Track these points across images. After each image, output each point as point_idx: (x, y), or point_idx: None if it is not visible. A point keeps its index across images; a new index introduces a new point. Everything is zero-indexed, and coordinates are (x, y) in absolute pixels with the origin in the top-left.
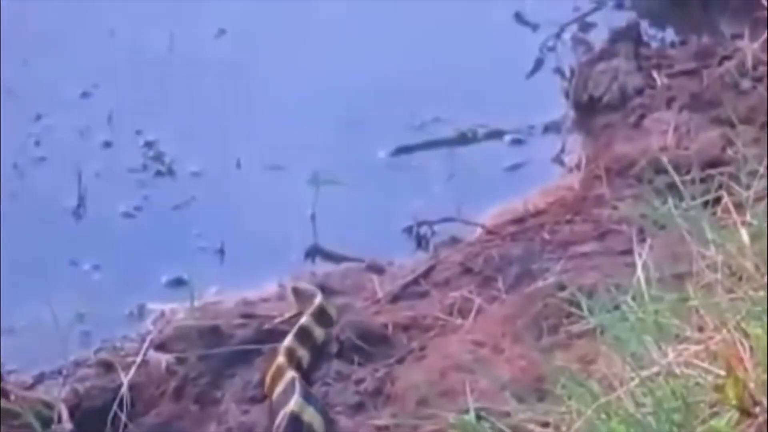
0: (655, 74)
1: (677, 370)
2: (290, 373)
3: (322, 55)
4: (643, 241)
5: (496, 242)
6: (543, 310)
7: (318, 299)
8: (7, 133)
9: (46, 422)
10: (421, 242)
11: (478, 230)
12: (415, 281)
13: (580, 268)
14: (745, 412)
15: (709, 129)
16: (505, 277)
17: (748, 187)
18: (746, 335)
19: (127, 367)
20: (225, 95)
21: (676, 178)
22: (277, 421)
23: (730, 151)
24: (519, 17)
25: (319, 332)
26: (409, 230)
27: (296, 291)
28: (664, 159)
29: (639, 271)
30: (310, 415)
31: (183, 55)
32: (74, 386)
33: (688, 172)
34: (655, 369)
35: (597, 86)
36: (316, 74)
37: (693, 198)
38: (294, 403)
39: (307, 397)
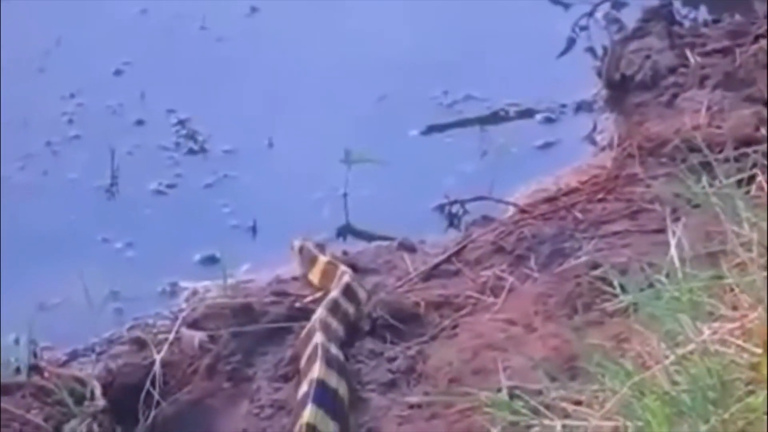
0: (688, 53)
1: (712, 348)
2: (316, 338)
3: (354, 33)
4: (676, 220)
5: (528, 221)
6: (575, 289)
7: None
8: (40, 111)
9: (80, 399)
10: (452, 221)
11: (510, 209)
12: (447, 260)
13: (612, 247)
14: None
15: (743, 108)
16: (538, 256)
17: None
18: None
19: (159, 345)
20: (257, 73)
21: (710, 157)
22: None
23: (763, 130)
24: None
25: (350, 309)
26: (440, 209)
27: (302, 249)
28: (697, 138)
29: (672, 250)
30: (336, 382)
31: (215, 33)
32: (107, 363)
33: (721, 151)
34: (690, 347)
35: (630, 65)
36: (348, 53)
37: (726, 177)
38: (318, 369)
39: (331, 363)
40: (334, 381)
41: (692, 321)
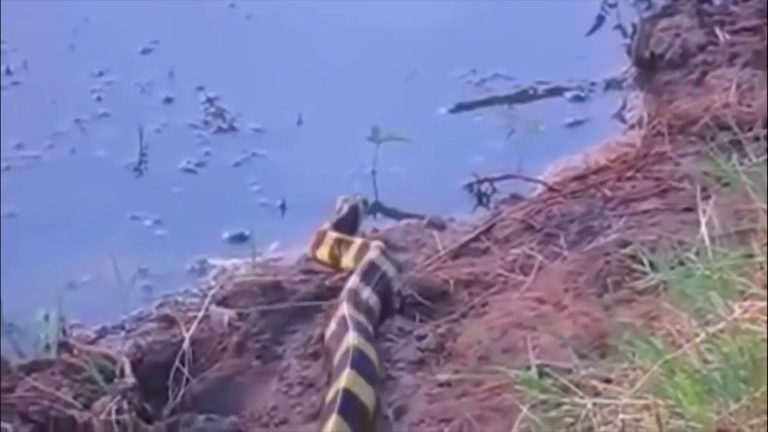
0: (717, 31)
1: (743, 327)
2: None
3: (383, 11)
4: (706, 198)
5: (557, 199)
6: (605, 267)
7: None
8: (68, 89)
9: (109, 376)
10: (481, 199)
11: (539, 187)
12: (476, 238)
13: (641, 225)
14: None
15: None
16: (567, 234)
17: None
18: None
19: (188, 322)
20: (286, 51)
21: (740, 135)
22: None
23: None
24: None
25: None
26: (469, 187)
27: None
28: (727, 116)
29: (703, 228)
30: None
31: (245, 11)
32: (136, 341)
33: (751, 129)
34: (720, 325)
35: (659, 43)
36: (378, 31)
37: (757, 155)
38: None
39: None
40: (368, 349)
41: (723, 299)
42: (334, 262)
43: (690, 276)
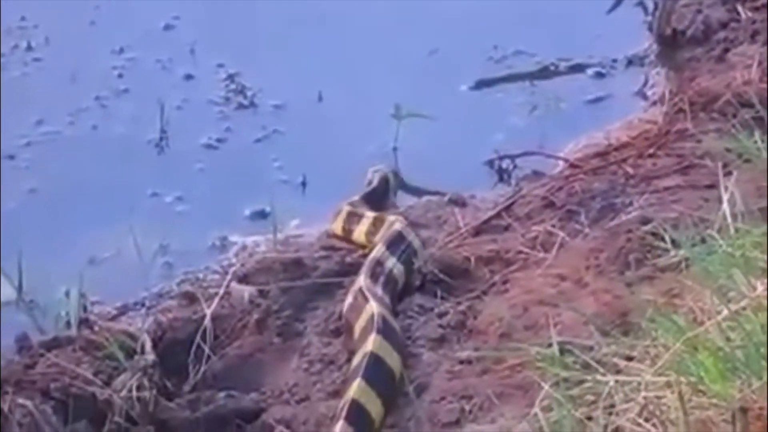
0: (739, 7)
1: (766, 304)
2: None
3: None
4: (728, 175)
5: (578, 176)
6: (627, 244)
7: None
8: (89, 65)
9: (130, 353)
10: (503, 175)
11: (561, 164)
12: (498, 215)
13: (663, 202)
14: None
15: None
16: (588, 211)
17: None
18: None
19: (209, 299)
20: (307, 27)
21: (762, 112)
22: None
23: None
24: None
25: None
26: (490, 163)
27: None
28: (749, 93)
29: (725, 205)
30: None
31: None
32: (157, 317)
33: None
34: (743, 303)
35: (681, 19)
36: (399, 7)
37: None
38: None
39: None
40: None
41: (745, 277)
42: (346, 235)
43: (712, 253)
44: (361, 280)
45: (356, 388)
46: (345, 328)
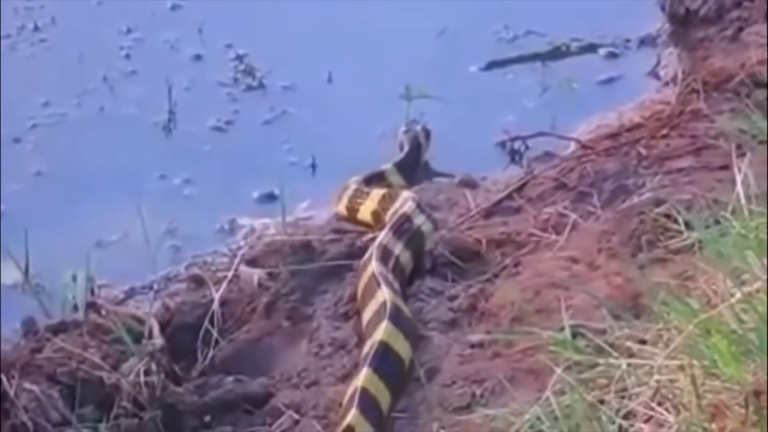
0: None
1: None
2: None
3: None
4: (741, 156)
5: (590, 157)
6: (639, 226)
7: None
8: (96, 46)
9: (137, 337)
10: (514, 157)
11: (572, 145)
12: (509, 196)
13: (676, 184)
14: None
15: None
16: (601, 193)
17: None
18: None
19: (218, 283)
20: (316, 7)
21: None
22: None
23: None
24: None
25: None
26: (502, 145)
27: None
28: (763, 72)
29: (738, 186)
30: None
31: None
32: (165, 301)
33: None
34: (757, 285)
35: None
36: None
37: None
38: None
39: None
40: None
41: (759, 259)
42: (352, 215)
43: (725, 235)
44: (373, 264)
45: (365, 377)
46: (356, 312)
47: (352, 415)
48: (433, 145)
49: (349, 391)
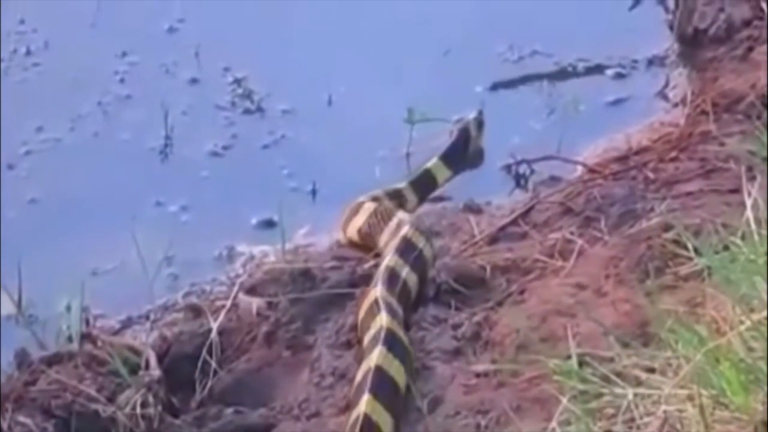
0: (763, 4)
1: None
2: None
3: None
4: (752, 179)
5: (597, 181)
6: (647, 252)
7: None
8: (91, 70)
9: (134, 368)
10: (519, 181)
11: (579, 168)
12: (514, 222)
13: (685, 208)
14: None
15: None
16: (608, 217)
17: None
18: None
19: (216, 312)
20: (316, 29)
21: None
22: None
23: None
24: None
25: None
26: (507, 168)
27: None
28: None
29: (748, 210)
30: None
31: None
32: (162, 331)
33: None
34: (766, 312)
35: (703, 18)
36: (412, 6)
37: None
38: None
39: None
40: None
41: None
42: (343, 233)
43: (734, 261)
44: (378, 289)
45: (366, 402)
46: (357, 339)
47: None
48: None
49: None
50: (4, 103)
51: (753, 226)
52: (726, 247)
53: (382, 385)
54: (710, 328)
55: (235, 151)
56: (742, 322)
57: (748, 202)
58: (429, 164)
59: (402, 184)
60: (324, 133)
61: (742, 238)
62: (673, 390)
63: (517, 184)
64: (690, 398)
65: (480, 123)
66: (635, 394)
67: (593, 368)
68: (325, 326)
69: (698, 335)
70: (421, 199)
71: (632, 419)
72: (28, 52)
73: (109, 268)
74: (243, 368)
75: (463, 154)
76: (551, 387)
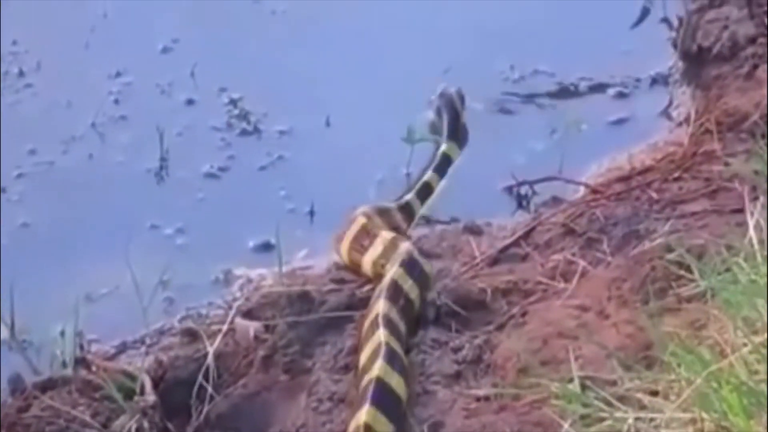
0: None
1: None
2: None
3: (417, 5)
4: (756, 198)
5: (600, 201)
6: (650, 273)
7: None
8: (85, 91)
9: (129, 394)
10: (521, 202)
11: (582, 189)
12: (515, 243)
13: (689, 229)
14: None
15: None
16: (610, 239)
17: None
18: None
19: (212, 336)
20: (313, 48)
21: None
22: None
23: None
24: None
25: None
26: (508, 189)
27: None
28: None
29: (750, 231)
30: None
31: (269, 6)
32: (158, 356)
33: None
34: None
35: (707, 36)
36: (412, 26)
37: None
38: (378, 367)
39: (392, 361)
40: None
41: None
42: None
43: (736, 282)
44: (380, 305)
45: (366, 413)
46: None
47: None
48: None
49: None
50: None
51: (755, 246)
52: (729, 269)
53: (383, 396)
54: (713, 351)
55: (232, 173)
56: (744, 345)
57: (751, 223)
58: (443, 148)
59: (427, 175)
60: (322, 154)
61: (746, 259)
62: (675, 413)
63: (519, 205)
64: (692, 422)
65: (462, 97)
66: (637, 418)
67: (596, 392)
68: (324, 350)
69: (700, 358)
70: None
71: None
72: (21, 74)
73: (103, 293)
74: (240, 393)
75: (460, 128)
76: (553, 411)
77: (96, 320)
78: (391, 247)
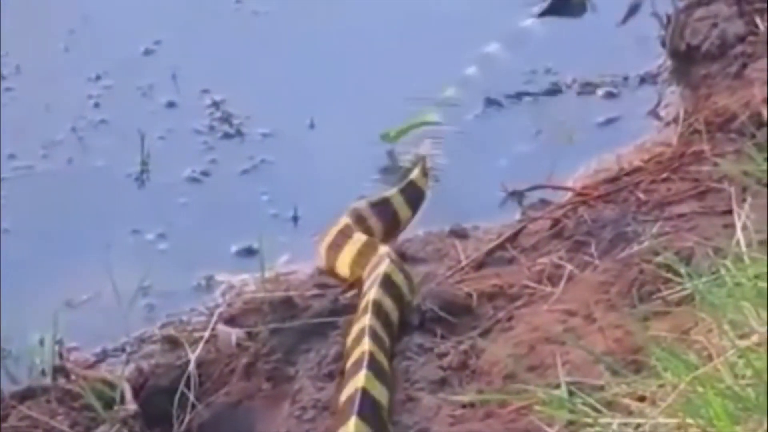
0: (757, 20)
1: None
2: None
3: (400, 6)
4: (744, 200)
5: (587, 203)
6: (639, 276)
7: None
8: (64, 94)
9: (109, 403)
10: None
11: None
12: (502, 246)
13: (678, 230)
14: None
15: None
16: (598, 242)
17: None
18: None
19: (194, 343)
20: (296, 50)
21: None
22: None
23: None
24: None
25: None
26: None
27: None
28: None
29: (738, 233)
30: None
31: (251, 7)
32: (138, 364)
33: None
34: (754, 338)
35: (695, 34)
36: (395, 24)
37: None
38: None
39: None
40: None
41: (757, 310)
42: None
43: (722, 285)
44: (367, 318)
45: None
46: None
47: None
48: None
49: None
50: None
51: (743, 248)
52: (716, 271)
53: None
54: (701, 355)
55: (214, 177)
56: (730, 348)
57: (738, 225)
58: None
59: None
60: (305, 158)
61: (734, 261)
62: (661, 419)
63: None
64: (679, 427)
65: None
66: (623, 424)
67: (583, 397)
68: (307, 357)
69: (686, 362)
70: None
71: None
72: (0, 77)
73: (83, 299)
74: (222, 401)
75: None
76: (539, 417)
77: (76, 327)
78: (366, 251)
